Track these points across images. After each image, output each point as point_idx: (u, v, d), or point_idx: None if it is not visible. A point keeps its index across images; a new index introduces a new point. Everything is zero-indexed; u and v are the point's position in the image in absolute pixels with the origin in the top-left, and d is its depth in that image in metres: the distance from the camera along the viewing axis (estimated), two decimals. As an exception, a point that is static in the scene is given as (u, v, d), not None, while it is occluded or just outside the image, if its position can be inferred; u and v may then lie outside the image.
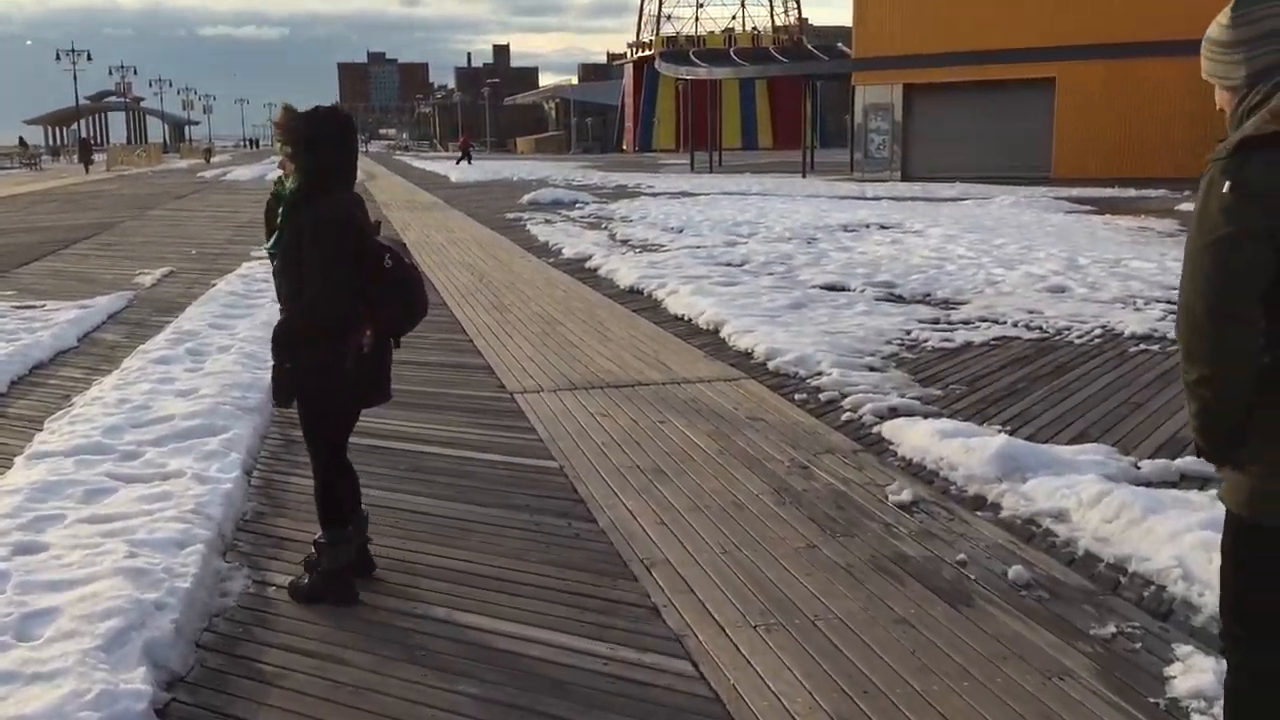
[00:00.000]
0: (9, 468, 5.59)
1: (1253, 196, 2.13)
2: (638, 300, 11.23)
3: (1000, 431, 5.94)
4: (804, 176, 37.91)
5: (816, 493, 5.17)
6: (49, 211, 25.71)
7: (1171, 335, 8.45)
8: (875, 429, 6.18)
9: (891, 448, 5.83)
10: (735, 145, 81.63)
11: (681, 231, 17.91)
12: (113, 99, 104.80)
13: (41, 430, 6.26)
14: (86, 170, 54.90)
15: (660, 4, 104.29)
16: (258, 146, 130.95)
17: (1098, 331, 8.92)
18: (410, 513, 5.02)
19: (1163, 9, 27.25)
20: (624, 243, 16.65)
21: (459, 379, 7.74)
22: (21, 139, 56.61)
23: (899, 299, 10.79)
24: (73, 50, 73.30)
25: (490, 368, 8.07)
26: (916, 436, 5.74)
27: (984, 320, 9.46)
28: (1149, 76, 29.74)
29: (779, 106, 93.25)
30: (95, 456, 5.49)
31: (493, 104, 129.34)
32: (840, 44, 51.84)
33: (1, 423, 6.78)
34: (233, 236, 19.12)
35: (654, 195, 28.23)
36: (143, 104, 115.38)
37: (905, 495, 5.03)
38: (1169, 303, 10.17)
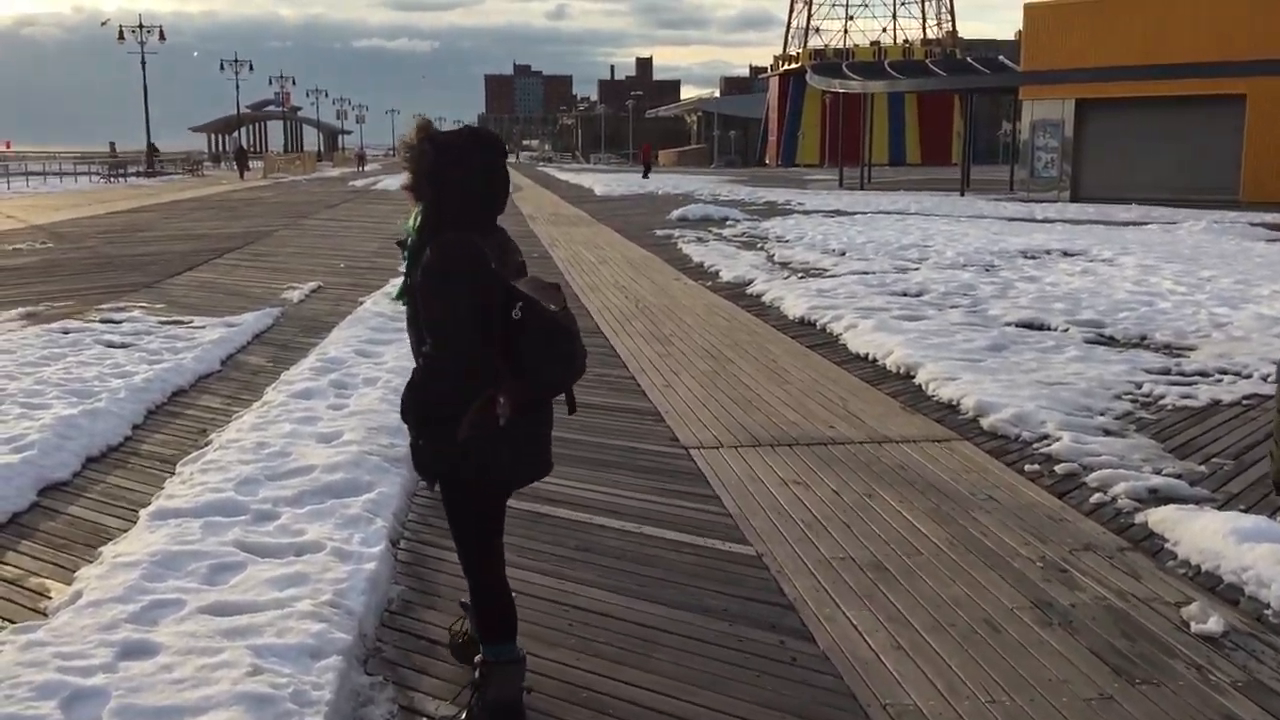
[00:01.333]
0: (133, 523, 4.95)
1: None
2: (810, 334, 10.23)
3: (1304, 531, 4.77)
4: (962, 195, 36.21)
5: (1088, 610, 4.11)
6: (205, 219, 26.02)
7: None
8: (1138, 518, 5.06)
9: (1168, 547, 4.71)
10: (882, 160, 79.54)
11: (844, 255, 16.82)
12: (271, 108, 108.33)
13: (173, 475, 5.64)
14: (241, 176, 56.66)
15: (809, 17, 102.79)
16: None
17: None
18: (583, 611, 4.15)
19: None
20: (784, 265, 15.66)
21: (625, 427, 6.87)
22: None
23: (1112, 341, 9.53)
24: (236, 60, 75.94)
25: (659, 413, 7.19)
26: (1201, 535, 4.61)
27: (1224, 372, 8.16)
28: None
29: (927, 121, 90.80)
30: (225, 519, 4.79)
31: (636, 116, 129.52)
32: (1001, 56, 49.74)
33: (133, 462, 6.19)
34: (380, 249, 18.79)
35: (806, 213, 27.11)
36: (299, 113, 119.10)
37: (1212, 624, 3.93)
38: None
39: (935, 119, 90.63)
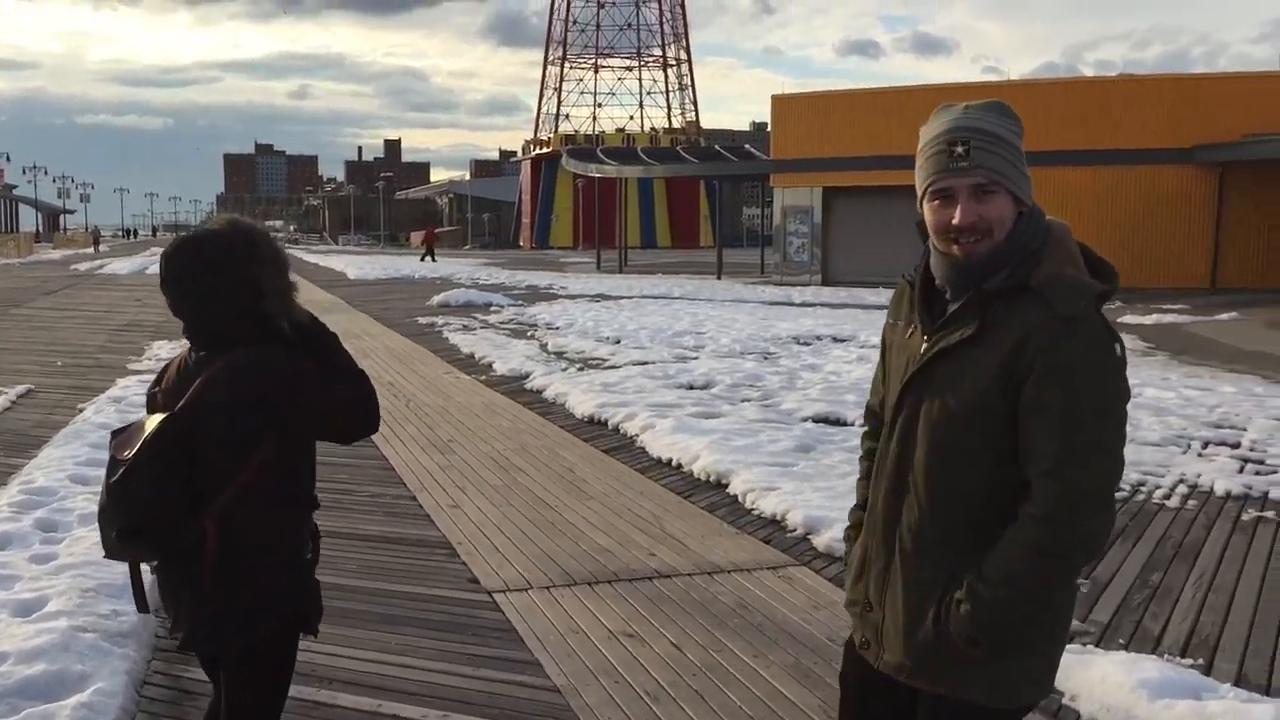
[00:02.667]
0: None
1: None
2: (604, 435, 9.43)
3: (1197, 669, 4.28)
4: (719, 278, 36.83)
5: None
6: (-106, 308, 22.86)
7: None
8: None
9: (1068, 703, 4.09)
10: (635, 244, 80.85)
11: (619, 342, 16.24)
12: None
13: None
14: (-53, 259, 51.33)
15: (559, 103, 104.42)
16: (135, 236, 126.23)
17: (1178, 483, 7.42)
18: None
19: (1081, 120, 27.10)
20: (559, 355, 14.89)
21: (413, 566, 5.79)
22: None
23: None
24: (-61, 133, 69.18)
25: (450, 545, 6.15)
26: (1103, 688, 4.01)
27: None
28: (1068, 184, 29.48)
29: (676, 206, 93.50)
30: None
31: (385, 197, 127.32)
32: (747, 145, 51.61)
33: None
34: (107, 342, 16.81)
35: (572, 298, 26.60)
36: (15, 191, 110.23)
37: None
38: (1222, 444, 8.79)
39: (683, 204, 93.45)
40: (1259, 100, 27.61)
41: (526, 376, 12.76)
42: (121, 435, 2.66)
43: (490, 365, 13.90)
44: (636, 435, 9.13)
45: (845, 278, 32.83)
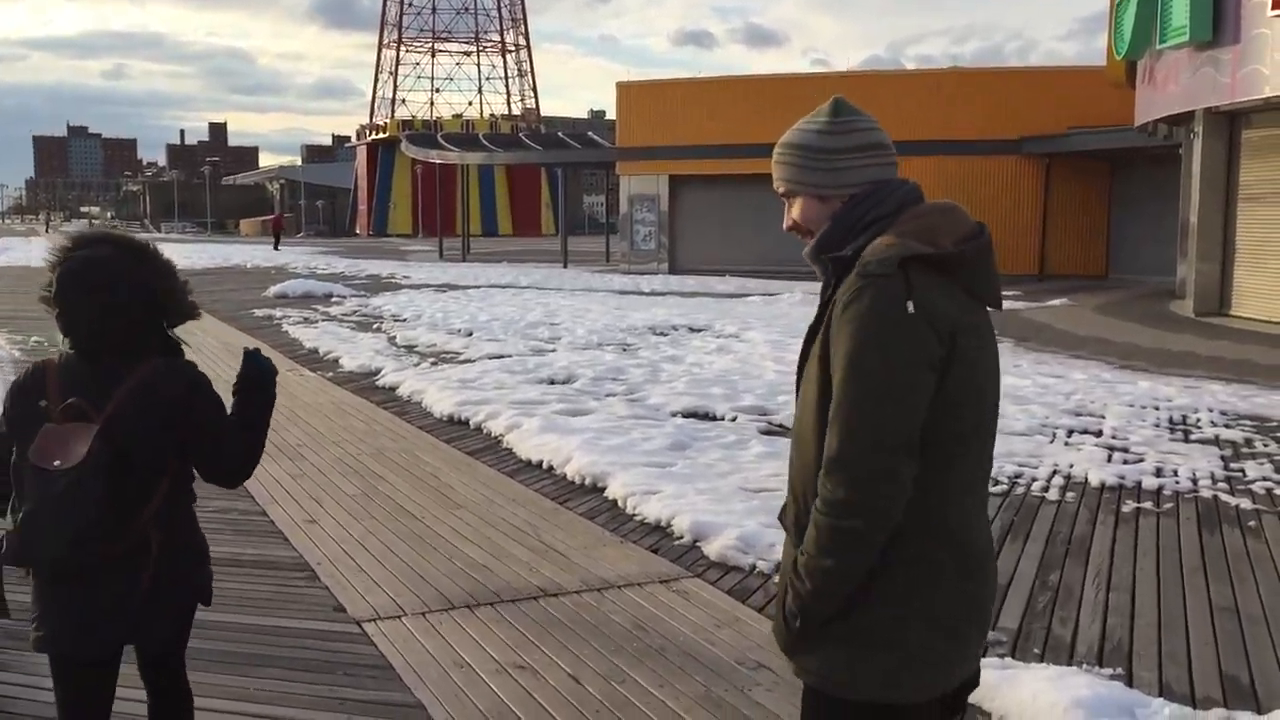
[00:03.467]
0: None
1: (929, 318, 1.94)
2: (466, 435, 8.92)
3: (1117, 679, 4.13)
4: (565, 267, 36.40)
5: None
6: None
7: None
8: (940, 678, 4.20)
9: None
10: (476, 231, 79.51)
11: (471, 335, 15.68)
12: None
13: None
14: None
15: (395, 87, 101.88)
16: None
17: (1053, 474, 7.40)
18: None
19: (918, 111, 27.72)
20: (410, 349, 14.24)
21: (271, 594, 5.20)
22: None
23: (784, 430, 9.00)
24: None
25: (309, 567, 5.58)
26: (1034, 708, 3.79)
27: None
28: (915, 174, 30.12)
29: (518, 193, 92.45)
30: None
31: (212, 183, 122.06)
32: (590, 132, 51.23)
33: None
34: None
35: (416, 288, 25.78)
36: None
37: None
38: (1086, 431, 8.89)
39: (525, 191, 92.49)
40: (1080, 93, 28.72)
41: (377, 373, 12.11)
42: (32, 445, 2.64)
43: (337, 361, 13.17)
44: (502, 435, 8.65)
45: (692, 266, 32.83)
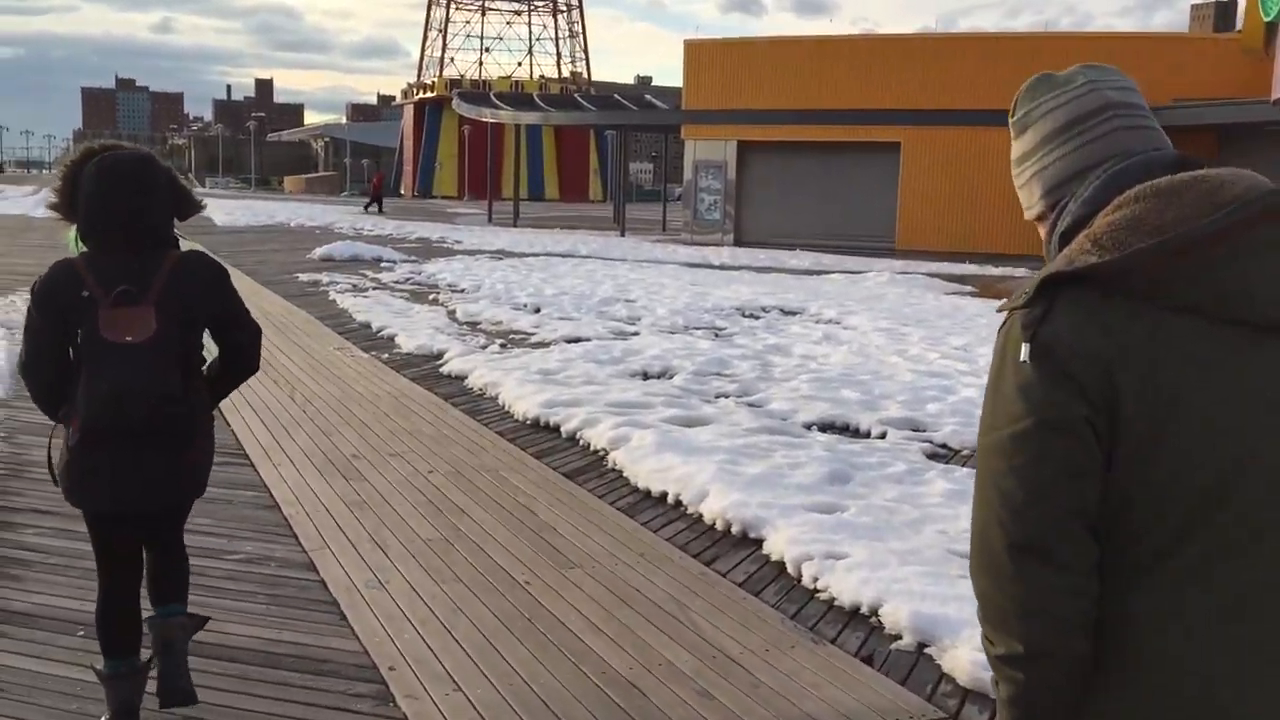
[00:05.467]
0: None
1: (1057, 363, 1.38)
2: (557, 446, 7.20)
3: None
4: (622, 235, 34.57)
5: None
6: None
7: None
8: None
9: None
10: (522, 196, 77.85)
11: (540, 311, 13.96)
12: None
13: None
14: None
15: (444, 46, 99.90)
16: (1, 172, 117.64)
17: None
18: None
19: (1010, 73, 25.59)
20: (473, 327, 12.55)
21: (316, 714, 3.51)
22: None
23: (954, 455, 7.21)
24: None
25: (378, 674, 3.86)
26: None
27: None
28: (992, 146, 28.08)
29: (566, 157, 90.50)
30: None
31: (257, 139, 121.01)
32: (647, 95, 49.18)
33: None
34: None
35: (470, 254, 24.06)
36: None
37: None
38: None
39: (573, 155, 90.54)
40: (1183, 62, 26.51)
41: (439, 356, 10.42)
42: (99, 326, 2.97)
43: (393, 339, 11.48)
44: (605, 451, 6.92)
45: (758, 238, 30.93)
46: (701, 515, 5.70)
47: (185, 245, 3.31)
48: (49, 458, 3.24)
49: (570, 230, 37.40)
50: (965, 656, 3.89)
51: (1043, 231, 1.58)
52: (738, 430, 7.36)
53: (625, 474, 6.48)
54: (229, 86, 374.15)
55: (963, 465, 6.86)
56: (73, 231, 3.18)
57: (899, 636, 4.21)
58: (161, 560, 3.36)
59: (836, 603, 4.55)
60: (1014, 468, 1.39)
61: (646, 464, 6.44)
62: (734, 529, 5.45)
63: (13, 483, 5.99)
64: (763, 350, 11.14)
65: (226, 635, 4.04)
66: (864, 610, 4.43)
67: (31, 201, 46.43)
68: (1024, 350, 1.41)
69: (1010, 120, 1.60)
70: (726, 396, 8.73)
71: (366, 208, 46.44)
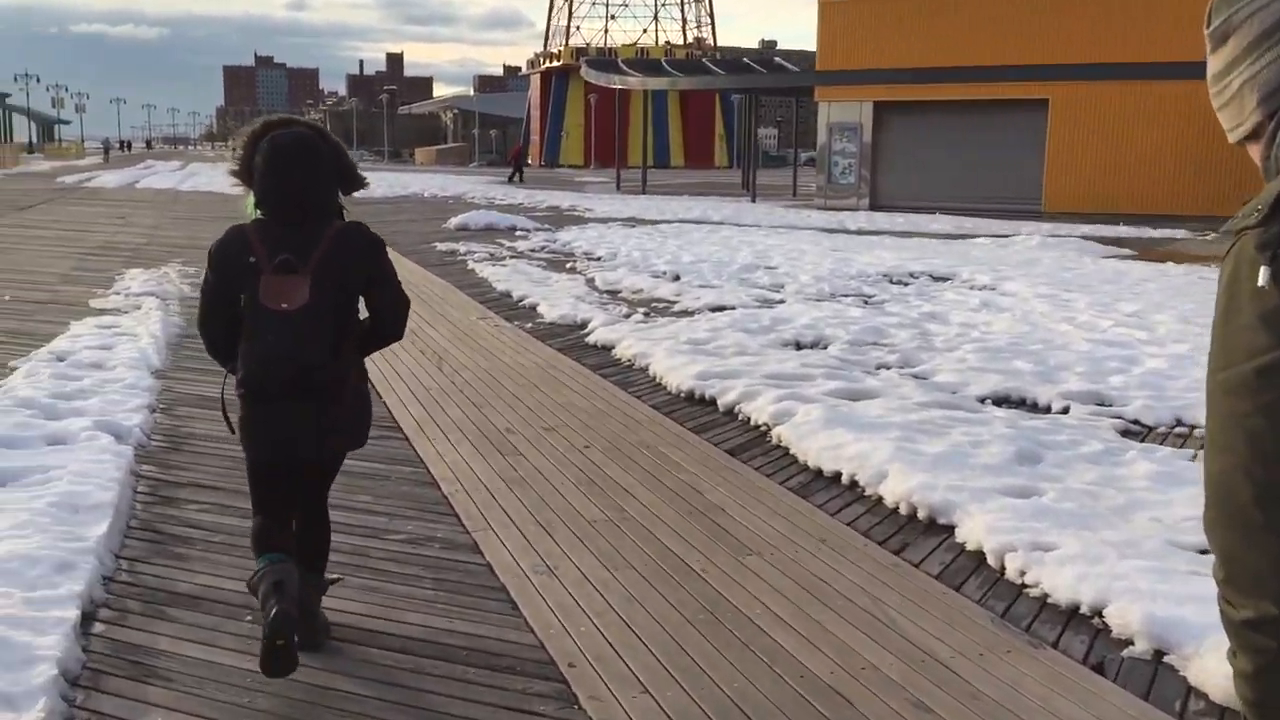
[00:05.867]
0: None
1: None
2: (716, 421, 6.86)
3: None
4: (754, 201, 33.97)
5: None
6: None
7: None
8: None
9: None
10: (649, 163, 77.56)
11: (679, 279, 13.61)
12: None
13: None
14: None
15: (569, 15, 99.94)
16: (129, 149, 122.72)
17: None
18: None
19: (1169, 25, 24.04)
20: (614, 295, 12.29)
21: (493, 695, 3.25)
22: None
23: (1147, 432, 6.63)
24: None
25: (557, 670, 3.58)
26: None
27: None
28: (1151, 98, 26.54)
29: (691, 123, 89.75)
30: None
31: (389, 112, 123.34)
32: (777, 58, 48.18)
33: None
34: (73, 269, 14.17)
35: (603, 222, 23.84)
36: (7, 100, 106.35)
37: None
38: None
39: (698, 122, 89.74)
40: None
41: (584, 326, 10.17)
42: (259, 292, 3.24)
43: (535, 309, 11.29)
44: (768, 426, 6.55)
45: (895, 202, 29.97)
46: (882, 498, 5.29)
47: (349, 216, 3.50)
48: (223, 403, 3.56)
49: (699, 196, 36.93)
50: (1216, 668, 3.42)
51: (1255, 151, 1.39)
52: (908, 404, 6.90)
53: (792, 451, 6.10)
54: (361, 61, 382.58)
55: (1162, 444, 6.28)
56: (251, 198, 3.44)
57: (1130, 642, 3.75)
58: (306, 526, 3.55)
59: (1050, 600, 4.10)
60: (1262, 406, 1.23)
61: (815, 440, 6.05)
62: (920, 513, 5.03)
63: (173, 455, 5.93)
64: (918, 318, 10.60)
65: (399, 624, 3.82)
66: (1084, 610, 3.98)
67: (179, 176, 48.10)
68: (1263, 274, 1.25)
69: (1207, 31, 1.42)
70: (888, 368, 8.27)
71: (511, 178, 46.65)
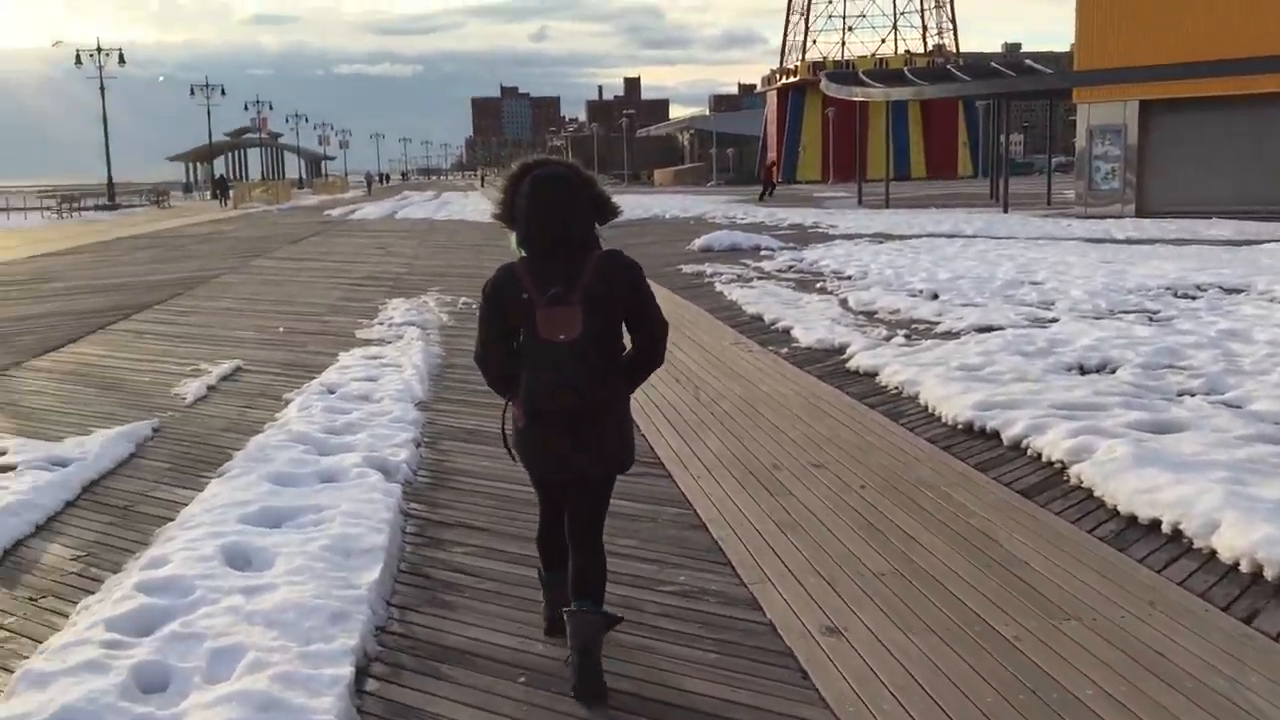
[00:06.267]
0: None
1: None
2: (1002, 456, 6.24)
3: None
4: (1006, 211, 32.34)
5: None
6: (139, 262, 21.98)
7: None
8: None
9: None
10: (891, 175, 75.75)
11: (937, 297, 12.88)
12: (250, 135, 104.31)
13: None
14: (223, 205, 53.35)
15: (806, 29, 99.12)
16: (387, 181, 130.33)
17: None
18: None
19: None
20: (870, 317, 11.71)
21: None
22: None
23: None
24: (206, 85, 71.76)
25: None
26: None
27: None
28: None
29: (933, 133, 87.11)
30: None
31: (628, 136, 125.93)
32: (1028, 60, 45.96)
33: None
34: (340, 300, 14.82)
35: (849, 238, 23.15)
36: (280, 140, 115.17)
37: None
38: None
39: (940, 131, 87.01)
40: None
41: (842, 351, 9.68)
42: (536, 326, 3.41)
43: (788, 332, 10.88)
44: (1064, 464, 5.89)
45: (1164, 207, 27.80)
46: (1215, 551, 4.59)
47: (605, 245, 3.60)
48: (503, 430, 3.75)
49: (946, 209, 35.53)
50: None
51: None
52: (1228, 438, 6.08)
53: (1097, 493, 5.44)
54: (600, 87, 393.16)
55: None
56: (514, 237, 3.56)
57: None
58: (582, 557, 3.61)
59: None
60: None
61: (1124, 482, 5.37)
62: (1268, 572, 4.31)
63: (440, 493, 5.86)
64: (1217, 336, 9.54)
65: (680, 693, 3.50)
66: None
67: (433, 206, 50.49)
68: None
69: None
70: (1192, 394, 7.40)
71: (761, 196, 46.77)
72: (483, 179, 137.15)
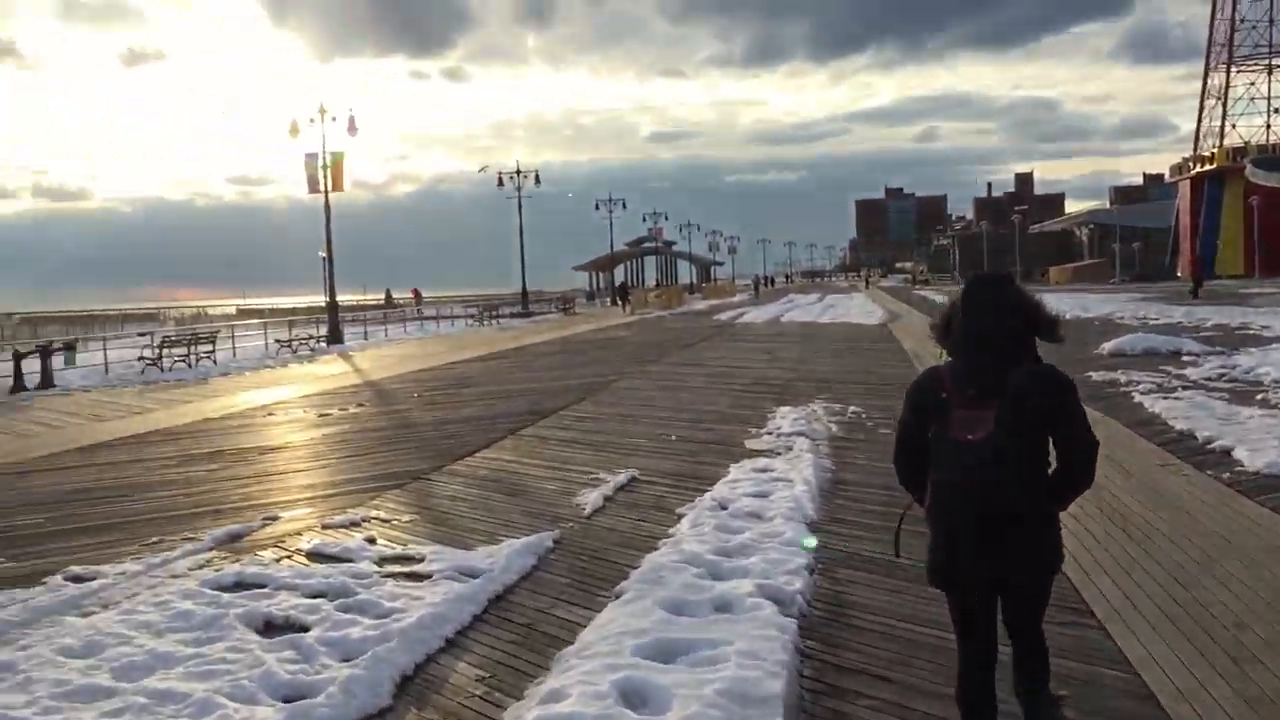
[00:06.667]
0: None
1: None
2: None
3: None
4: None
5: None
6: (544, 368, 23.38)
7: None
8: None
9: None
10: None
11: None
12: (647, 244, 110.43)
13: None
14: (624, 310, 56.83)
15: (1224, 113, 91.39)
16: (772, 284, 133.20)
17: None
18: None
19: None
20: (1332, 436, 10.07)
21: None
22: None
23: None
24: (609, 200, 76.91)
25: None
26: None
27: None
28: None
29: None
30: None
31: (1020, 232, 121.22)
32: None
33: None
34: (729, 408, 14.85)
35: (1289, 341, 20.55)
36: (673, 247, 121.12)
37: None
38: None
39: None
40: None
41: (1302, 478, 8.31)
42: (950, 426, 3.45)
43: (1229, 453, 9.56)
44: None
45: None
46: None
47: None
48: (898, 530, 3.90)
49: None
50: None
51: None
52: None
53: None
54: (989, 184, 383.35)
55: None
56: (941, 350, 3.70)
57: None
58: (1022, 649, 3.62)
59: None
60: None
61: None
62: None
63: (837, 631, 5.44)
64: None
65: None
66: None
67: (818, 309, 50.73)
68: None
69: None
70: None
71: (1194, 292, 43.83)
72: (866, 280, 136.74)
